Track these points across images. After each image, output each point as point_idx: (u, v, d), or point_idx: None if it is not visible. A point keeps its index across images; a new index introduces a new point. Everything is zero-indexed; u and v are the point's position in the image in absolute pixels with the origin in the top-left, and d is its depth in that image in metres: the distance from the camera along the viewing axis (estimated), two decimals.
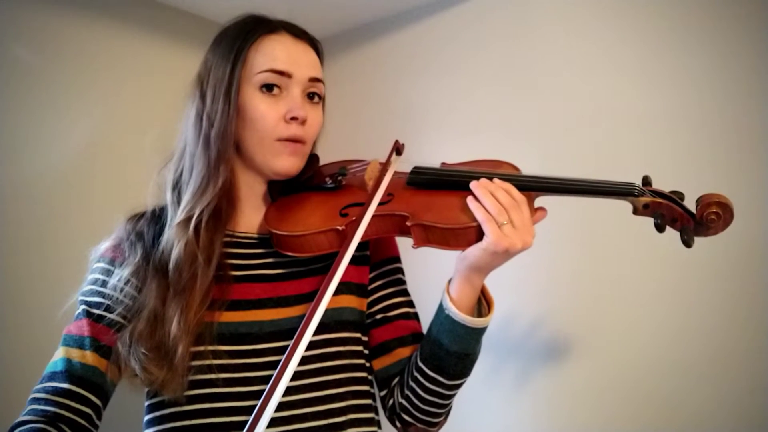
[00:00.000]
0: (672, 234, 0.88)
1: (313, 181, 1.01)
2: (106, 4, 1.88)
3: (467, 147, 1.88)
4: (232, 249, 0.96)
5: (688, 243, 0.85)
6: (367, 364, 1.00)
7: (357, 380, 0.95)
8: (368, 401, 0.97)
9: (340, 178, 1.00)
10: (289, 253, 0.94)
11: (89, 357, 0.87)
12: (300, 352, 0.79)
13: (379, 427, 0.99)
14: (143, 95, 1.93)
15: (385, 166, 0.97)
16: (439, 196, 0.93)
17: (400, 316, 1.02)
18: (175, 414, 0.88)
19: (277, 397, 0.77)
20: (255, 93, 0.93)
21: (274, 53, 0.94)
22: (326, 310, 0.83)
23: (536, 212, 0.90)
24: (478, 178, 0.89)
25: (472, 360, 0.93)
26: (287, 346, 0.90)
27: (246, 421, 0.85)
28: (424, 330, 0.99)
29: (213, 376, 0.87)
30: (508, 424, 1.72)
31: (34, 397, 0.84)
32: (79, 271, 0.96)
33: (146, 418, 0.92)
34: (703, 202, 0.84)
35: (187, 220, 0.90)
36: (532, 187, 0.90)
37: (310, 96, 0.97)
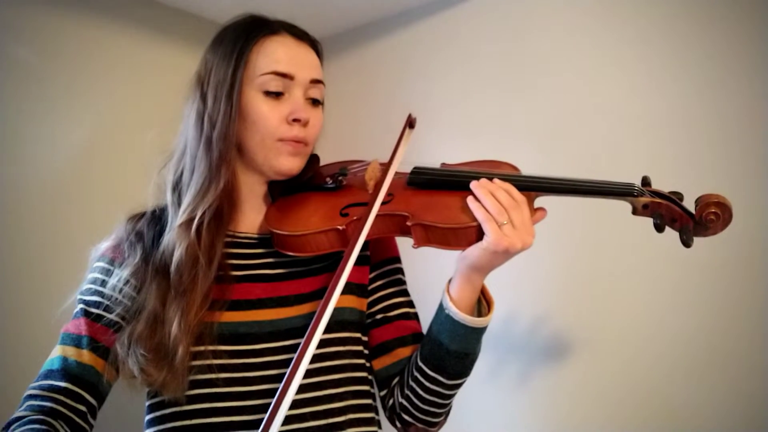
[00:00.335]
0: (671, 234, 0.89)
1: (314, 182, 1.02)
2: (106, 4, 1.88)
3: (467, 147, 1.88)
4: (233, 249, 0.97)
5: (687, 243, 0.85)
6: (367, 364, 1.00)
7: (357, 380, 0.96)
8: (368, 401, 0.97)
9: (340, 178, 1.01)
10: (290, 253, 0.94)
11: (86, 356, 0.87)
12: (310, 352, 0.79)
13: (379, 427, 0.99)
14: (143, 95, 1.93)
15: (394, 154, 0.97)
16: (439, 196, 0.93)
17: (400, 316, 1.02)
18: (176, 414, 0.88)
19: (289, 397, 0.76)
20: (257, 94, 0.93)
21: (276, 55, 0.94)
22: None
23: (536, 212, 0.91)
24: (478, 178, 0.90)
25: (472, 359, 0.94)
26: (286, 346, 0.90)
27: (245, 421, 0.85)
28: (424, 330, 0.99)
29: (213, 375, 0.87)
30: (508, 423, 1.73)
31: (31, 394, 0.84)
32: (78, 271, 0.96)
33: (147, 417, 0.93)
34: (702, 202, 0.85)
35: (189, 221, 0.90)
36: (532, 187, 0.91)
37: (313, 102, 0.98)
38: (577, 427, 1.60)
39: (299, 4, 1.96)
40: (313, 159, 1.03)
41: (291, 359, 0.89)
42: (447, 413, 1.00)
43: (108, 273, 0.92)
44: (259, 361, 0.89)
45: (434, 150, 1.86)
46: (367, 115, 2.17)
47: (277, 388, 0.87)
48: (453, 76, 1.94)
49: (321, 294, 0.95)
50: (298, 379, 0.78)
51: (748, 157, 1.41)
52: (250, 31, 0.95)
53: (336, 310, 0.93)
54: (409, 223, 0.89)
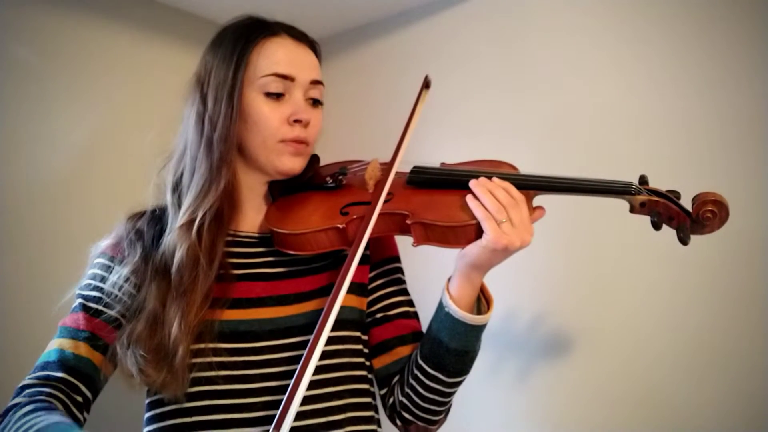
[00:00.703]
0: (670, 232, 0.89)
1: (314, 181, 1.02)
2: (105, 4, 1.88)
3: (466, 147, 1.89)
4: (233, 248, 0.97)
5: (684, 241, 0.86)
6: (367, 363, 1.01)
7: (356, 379, 0.96)
8: (368, 400, 0.98)
9: (340, 177, 1.01)
10: (290, 252, 0.94)
11: (82, 348, 0.87)
12: (320, 348, 0.80)
13: (379, 425, 1.00)
14: (143, 95, 1.93)
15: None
16: (438, 195, 0.94)
17: (400, 315, 1.03)
18: (176, 411, 0.88)
19: (300, 394, 0.76)
20: (258, 96, 0.94)
21: (276, 57, 0.95)
22: None
23: (535, 211, 0.91)
24: (477, 177, 0.90)
25: (471, 357, 0.94)
26: (286, 344, 0.91)
27: (245, 418, 0.86)
28: (424, 329, 0.99)
29: (213, 373, 0.87)
30: (507, 421, 1.73)
31: (26, 384, 0.84)
32: (78, 271, 0.96)
33: (147, 415, 0.93)
34: (699, 200, 0.85)
35: (190, 223, 0.91)
36: (530, 185, 0.91)
37: (314, 102, 0.99)
38: (576, 425, 1.60)
39: (299, 4, 1.97)
40: (314, 159, 1.04)
41: (290, 357, 0.90)
42: (447, 411, 1.01)
43: (108, 269, 0.92)
44: (258, 359, 0.89)
45: (434, 150, 1.86)
46: (367, 115, 2.17)
47: (275, 386, 0.88)
48: (452, 77, 1.94)
49: (321, 293, 0.96)
50: (308, 377, 0.77)
51: (748, 157, 1.41)
52: (249, 33, 0.96)
53: None
54: (408, 222, 0.90)
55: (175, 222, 0.92)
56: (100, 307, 0.89)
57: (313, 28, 1.04)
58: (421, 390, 0.95)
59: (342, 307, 0.95)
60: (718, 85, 1.47)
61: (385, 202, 0.93)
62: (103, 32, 1.87)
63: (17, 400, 0.81)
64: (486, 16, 1.89)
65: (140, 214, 0.99)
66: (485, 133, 1.87)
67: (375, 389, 1.03)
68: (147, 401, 0.93)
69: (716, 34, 1.48)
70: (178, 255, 0.89)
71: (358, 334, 0.99)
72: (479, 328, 0.92)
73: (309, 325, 0.91)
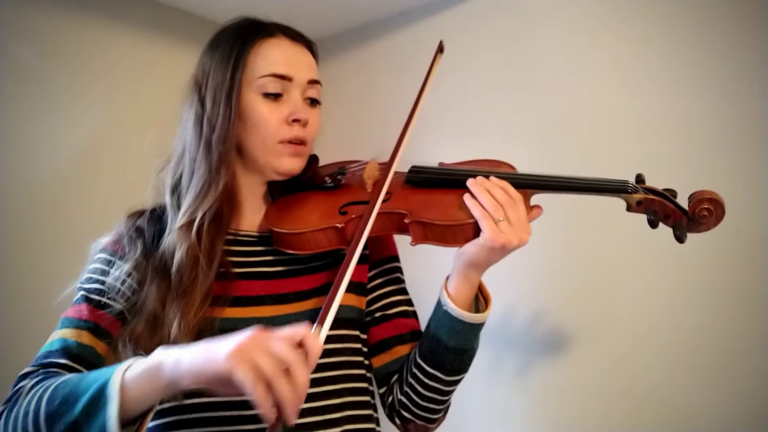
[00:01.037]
0: (667, 230, 0.89)
1: (313, 181, 1.03)
2: (105, 4, 1.88)
3: (466, 147, 1.89)
4: (233, 247, 0.97)
5: (680, 238, 0.86)
6: (366, 362, 1.01)
7: (354, 377, 0.96)
8: (366, 398, 0.98)
9: (339, 177, 1.02)
10: (289, 251, 0.95)
11: (85, 337, 0.86)
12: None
13: (377, 424, 1.00)
14: (143, 94, 1.93)
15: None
16: (436, 194, 0.94)
17: (399, 314, 1.03)
18: (174, 408, 0.88)
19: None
20: (256, 97, 0.94)
21: (274, 57, 0.95)
22: None
23: (532, 210, 0.92)
24: (474, 177, 0.90)
25: (470, 355, 0.94)
26: None
27: (243, 416, 0.86)
28: (423, 328, 1.00)
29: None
30: (505, 419, 1.73)
31: (27, 372, 0.82)
32: (78, 271, 0.96)
33: None
34: (695, 198, 0.86)
35: (189, 223, 0.91)
36: (528, 184, 0.92)
37: (311, 102, 0.99)
38: (575, 423, 1.60)
39: (300, 3, 1.97)
40: (313, 159, 1.04)
41: None
42: (446, 410, 1.01)
43: (110, 264, 0.92)
44: None
45: (434, 150, 1.86)
46: (367, 115, 2.17)
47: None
48: (451, 77, 1.94)
49: (320, 292, 0.96)
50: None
51: (748, 157, 1.41)
52: (246, 34, 0.96)
53: None
54: (407, 221, 0.90)
55: (175, 223, 0.92)
56: (104, 300, 0.89)
57: (313, 28, 1.04)
58: (419, 388, 0.95)
59: (341, 306, 0.95)
60: (718, 85, 1.47)
61: (384, 201, 0.94)
62: (103, 32, 1.88)
63: (23, 382, 0.80)
64: (486, 16, 1.90)
65: (140, 213, 0.99)
66: (485, 134, 1.87)
67: (374, 388, 1.03)
68: None
69: (716, 34, 1.48)
70: (178, 255, 0.89)
71: (357, 332, 0.99)
72: (477, 327, 0.92)
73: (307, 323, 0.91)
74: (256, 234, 1.00)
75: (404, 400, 0.98)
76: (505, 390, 1.73)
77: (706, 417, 1.41)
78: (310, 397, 0.89)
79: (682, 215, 0.87)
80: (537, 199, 0.94)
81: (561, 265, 1.68)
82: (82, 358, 0.85)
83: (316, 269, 0.99)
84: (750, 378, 1.37)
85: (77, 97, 1.81)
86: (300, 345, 0.67)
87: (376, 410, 1.01)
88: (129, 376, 0.71)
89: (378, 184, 0.93)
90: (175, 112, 1.01)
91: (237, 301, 0.92)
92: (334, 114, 1.96)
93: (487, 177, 0.90)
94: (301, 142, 0.97)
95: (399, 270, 1.08)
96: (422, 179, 0.98)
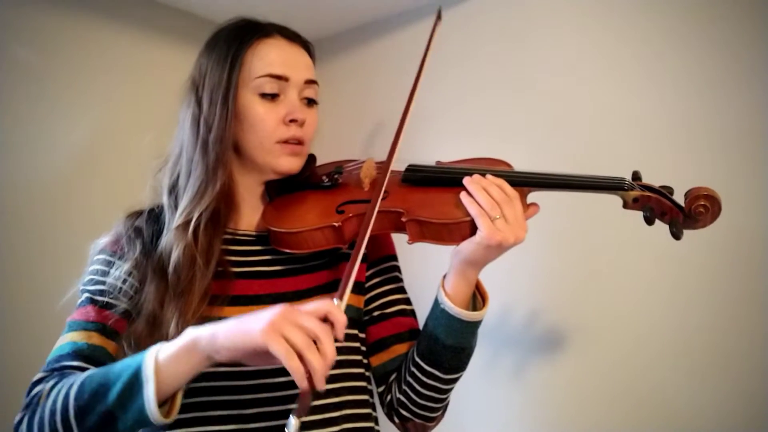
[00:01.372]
0: (665, 228, 0.89)
1: (310, 180, 1.03)
2: (105, 4, 1.88)
3: (465, 147, 1.88)
4: (232, 246, 0.98)
5: (677, 235, 0.86)
6: (365, 361, 1.01)
7: (353, 376, 0.97)
8: (365, 397, 0.98)
9: (336, 176, 1.02)
10: (287, 250, 0.95)
11: (95, 338, 0.86)
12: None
13: (376, 423, 1.00)
14: (142, 95, 1.93)
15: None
16: (433, 193, 0.94)
17: (397, 313, 1.03)
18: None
19: None
20: (253, 97, 0.95)
21: (270, 57, 0.95)
22: None
23: (529, 207, 0.92)
24: (471, 175, 0.91)
25: (468, 354, 0.95)
26: None
27: (241, 415, 0.86)
28: (421, 327, 1.00)
29: (211, 369, 0.88)
30: (504, 418, 1.73)
31: (41, 378, 0.82)
32: (78, 270, 0.96)
33: None
34: (691, 195, 0.86)
35: (186, 224, 0.91)
36: (524, 182, 0.92)
37: (308, 102, 0.99)
38: (573, 422, 1.60)
39: (298, 3, 1.97)
40: (310, 158, 1.04)
41: None
42: (444, 408, 1.01)
43: (110, 264, 0.92)
44: None
45: (432, 150, 1.86)
46: (366, 116, 2.17)
47: (273, 384, 0.88)
48: (450, 77, 1.94)
49: (318, 291, 0.96)
50: None
51: (748, 157, 1.41)
52: (243, 35, 0.96)
53: None
54: (404, 219, 0.90)
55: (172, 223, 0.93)
56: (108, 300, 0.89)
57: (310, 28, 1.05)
58: (418, 387, 0.95)
59: None
60: (718, 85, 1.46)
61: (382, 200, 0.94)
62: (102, 32, 1.88)
63: (39, 387, 0.80)
64: (485, 15, 1.89)
65: (139, 213, 1.00)
66: (484, 133, 1.87)
67: (373, 387, 1.04)
68: None
69: (716, 34, 1.48)
70: (175, 255, 0.90)
71: (355, 332, 0.99)
72: (475, 325, 0.92)
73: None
74: (254, 233, 1.01)
75: (403, 398, 0.98)
76: (502, 388, 1.73)
77: (706, 417, 1.40)
78: None
79: (678, 212, 0.87)
80: (533, 196, 0.94)
81: (558, 263, 1.67)
82: (95, 359, 0.85)
83: (314, 268, 0.99)
84: (750, 378, 1.37)
85: (77, 97, 1.81)
86: (325, 318, 0.72)
87: (374, 409, 1.01)
88: (162, 356, 0.74)
89: (375, 183, 0.94)
90: (174, 112, 1.01)
91: (235, 300, 0.92)
92: (332, 114, 1.96)
93: (483, 175, 0.90)
94: (298, 141, 0.97)
95: (397, 269, 1.09)
96: (419, 178, 0.98)
